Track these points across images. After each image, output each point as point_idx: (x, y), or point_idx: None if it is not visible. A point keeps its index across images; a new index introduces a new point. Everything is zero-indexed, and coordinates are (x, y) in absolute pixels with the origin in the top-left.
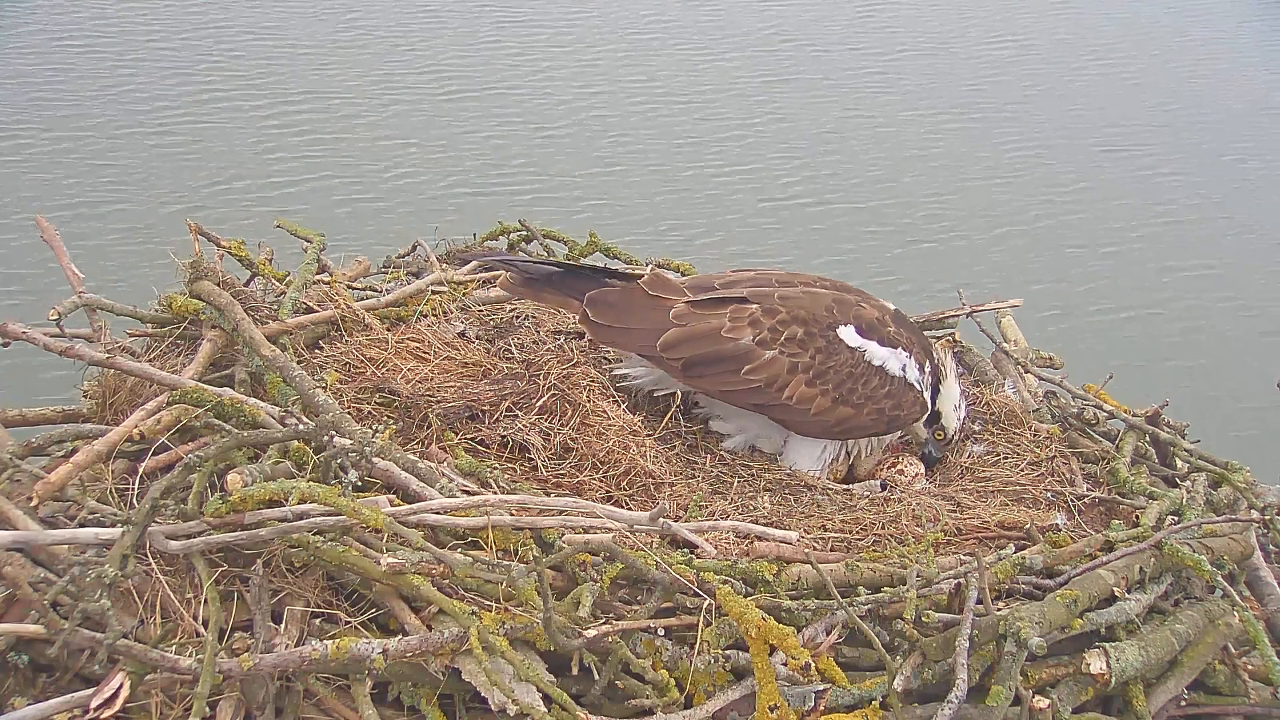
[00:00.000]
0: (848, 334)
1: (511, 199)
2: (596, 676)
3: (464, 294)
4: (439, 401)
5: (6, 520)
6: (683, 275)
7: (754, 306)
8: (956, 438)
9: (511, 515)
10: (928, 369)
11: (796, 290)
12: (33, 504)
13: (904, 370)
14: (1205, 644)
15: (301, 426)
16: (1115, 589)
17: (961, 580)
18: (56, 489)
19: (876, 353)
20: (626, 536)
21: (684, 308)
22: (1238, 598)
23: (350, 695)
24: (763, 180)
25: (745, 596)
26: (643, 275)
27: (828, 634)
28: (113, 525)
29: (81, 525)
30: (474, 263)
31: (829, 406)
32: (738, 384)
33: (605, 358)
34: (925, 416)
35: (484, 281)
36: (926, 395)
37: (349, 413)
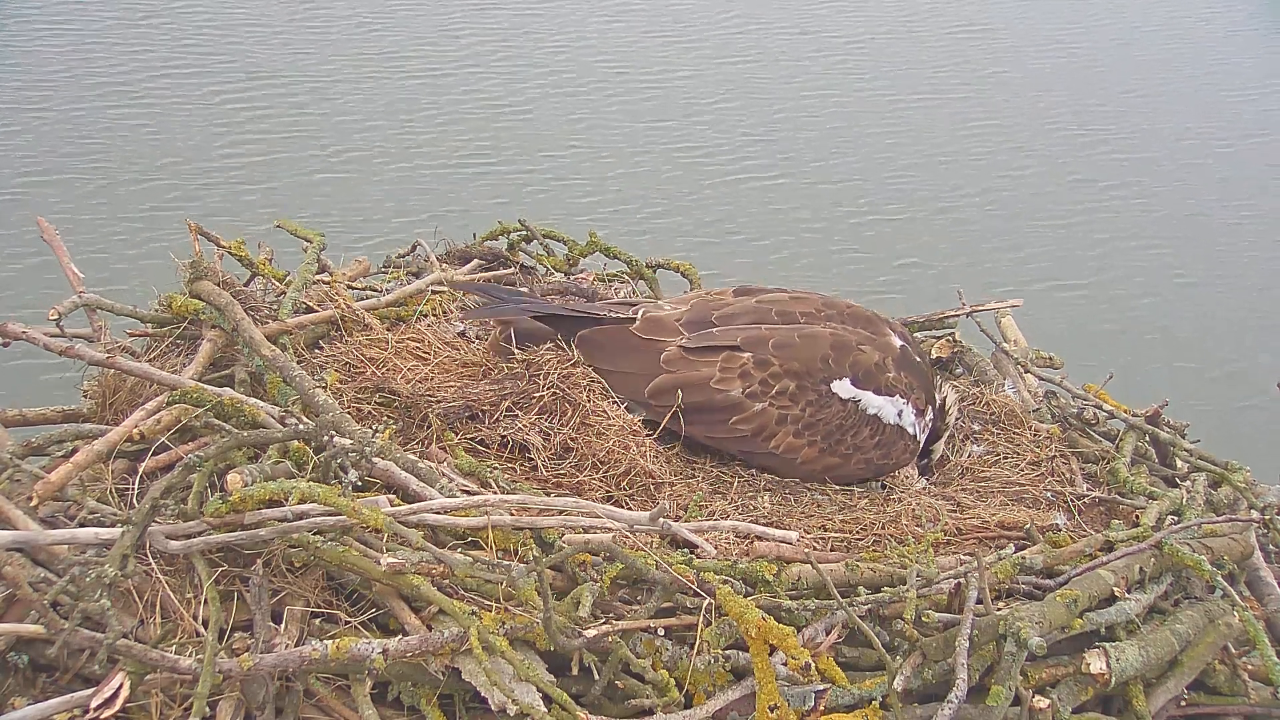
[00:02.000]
0: (841, 387)
1: (511, 196)
2: (596, 676)
3: (464, 294)
4: (439, 401)
5: (6, 520)
6: (685, 276)
7: (746, 356)
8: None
9: (511, 515)
10: (929, 414)
11: (794, 335)
12: (33, 504)
13: (899, 417)
14: (1205, 644)
15: (301, 426)
16: (1115, 589)
17: (961, 580)
18: (56, 489)
19: (872, 402)
20: (626, 536)
21: (675, 352)
22: (1238, 598)
23: (350, 695)
24: (733, 168)
25: (745, 596)
26: (635, 319)
27: (828, 634)
28: (113, 525)
29: (81, 525)
30: (475, 261)
31: (815, 456)
32: (725, 433)
33: None
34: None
35: (485, 281)
36: (922, 438)
37: (349, 413)
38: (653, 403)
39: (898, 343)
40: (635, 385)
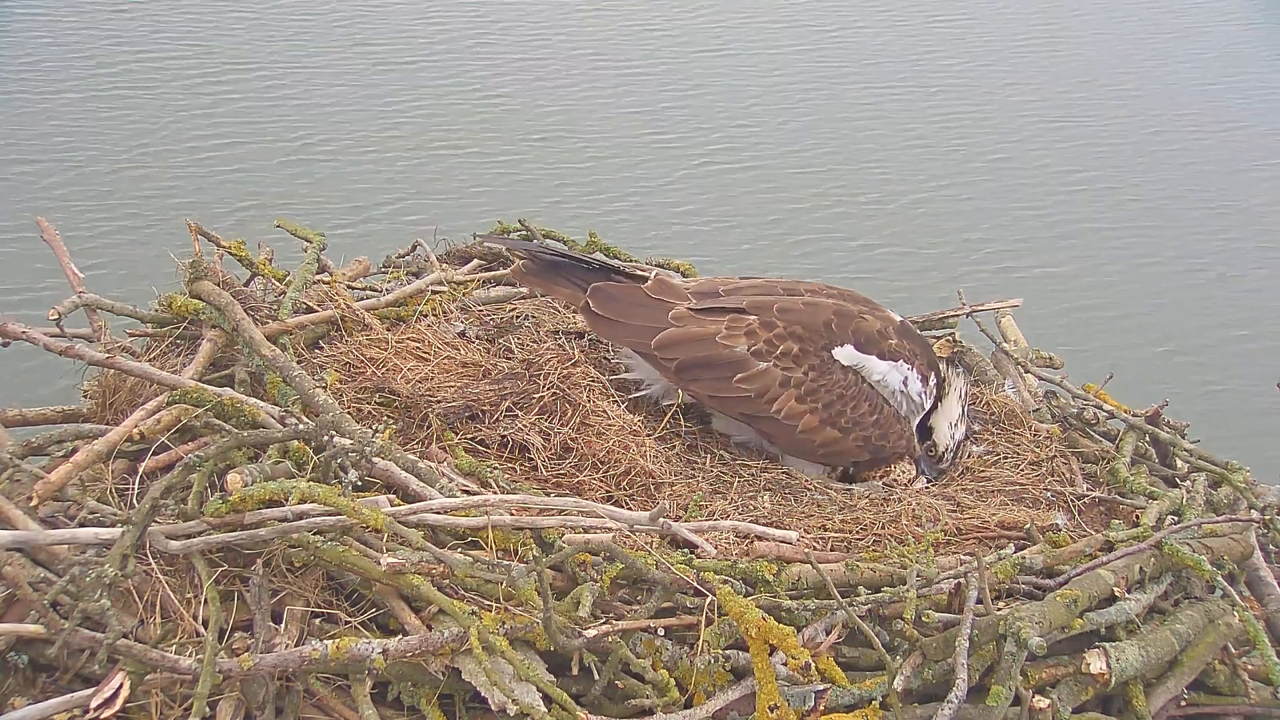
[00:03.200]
0: (844, 354)
1: (511, 197)
2: (596, 676)
3: (464, 294)
4: (439, 401)
5: (6, 520)
6: (684, 275)
7: (752, 318)
8: (949, 457)
9: (511, 515)
10: (932, 381)
11: (798, 302)
12: (33, 504)
13: (905, 383)
14: (1205, 644)
15: (301, 426)
16: (1115, 589)
17: (961, 580)
18: (56, 489)
19: (876, 366)
20: (626, 536)
21: (684, 311)
22: (1238, 598)
23: (350, 695)
24: (712, 157)
25: (745, 596)
26: (648, 279)
27: (828, 634)
28: (113, 525)
29: (81, 525)
30: (475, 261)
31: (816, 426)
32: (729, 391)
33: (606, 357)
34: (914, 443)
35: (484, 281)
36: (929, 403)
37: (349, 413)
38: (659, 355)
39: (897, 316)
40: (642, 337)
